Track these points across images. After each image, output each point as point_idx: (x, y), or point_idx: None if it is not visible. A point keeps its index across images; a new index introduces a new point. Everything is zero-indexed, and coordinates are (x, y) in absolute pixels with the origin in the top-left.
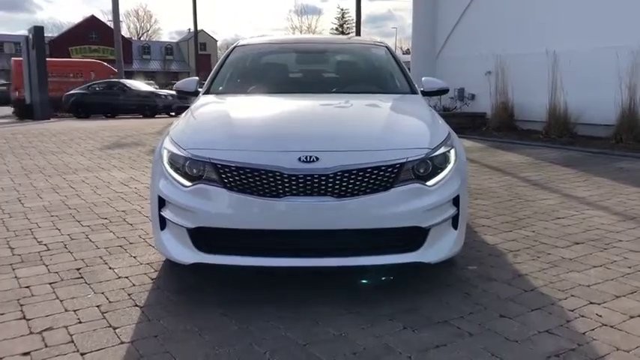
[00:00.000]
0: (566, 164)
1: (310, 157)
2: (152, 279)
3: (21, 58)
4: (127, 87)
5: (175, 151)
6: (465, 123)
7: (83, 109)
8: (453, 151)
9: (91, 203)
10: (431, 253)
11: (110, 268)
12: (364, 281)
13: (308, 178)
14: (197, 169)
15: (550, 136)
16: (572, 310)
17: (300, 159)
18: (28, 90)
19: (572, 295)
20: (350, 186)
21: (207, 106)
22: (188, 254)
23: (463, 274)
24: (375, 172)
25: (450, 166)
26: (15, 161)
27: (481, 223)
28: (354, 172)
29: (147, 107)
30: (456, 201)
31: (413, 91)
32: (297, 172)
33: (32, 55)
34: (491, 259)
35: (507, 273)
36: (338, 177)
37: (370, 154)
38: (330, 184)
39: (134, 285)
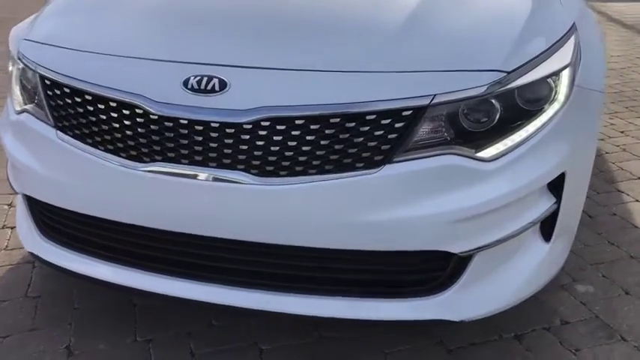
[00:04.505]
0: None
1: (209, 79)
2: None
3: None
4: None
5: (16, 42)
6: None
7: None
8: (566, 74)
9: None
10: (469, 299)
11: None
12: None
13: (199, 127)
14: (29, 84)
15: None
16: None
17: (186, 83)
18: None
19: None
20: (291, 153)
21: None
22: (28, 234)
23: (566, 310)
24: (351, 124)
25: (551, 111)
26: None
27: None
28: (302, 121)
29: None
30: (556, 184)
31: None
32: (175, 111)
33: None
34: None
35: None
36: (265, 130)
37: (345, 79)
38: (246, 146)
39: None
